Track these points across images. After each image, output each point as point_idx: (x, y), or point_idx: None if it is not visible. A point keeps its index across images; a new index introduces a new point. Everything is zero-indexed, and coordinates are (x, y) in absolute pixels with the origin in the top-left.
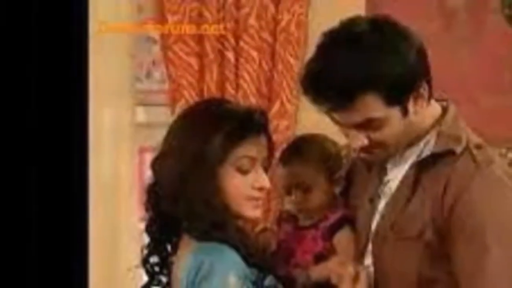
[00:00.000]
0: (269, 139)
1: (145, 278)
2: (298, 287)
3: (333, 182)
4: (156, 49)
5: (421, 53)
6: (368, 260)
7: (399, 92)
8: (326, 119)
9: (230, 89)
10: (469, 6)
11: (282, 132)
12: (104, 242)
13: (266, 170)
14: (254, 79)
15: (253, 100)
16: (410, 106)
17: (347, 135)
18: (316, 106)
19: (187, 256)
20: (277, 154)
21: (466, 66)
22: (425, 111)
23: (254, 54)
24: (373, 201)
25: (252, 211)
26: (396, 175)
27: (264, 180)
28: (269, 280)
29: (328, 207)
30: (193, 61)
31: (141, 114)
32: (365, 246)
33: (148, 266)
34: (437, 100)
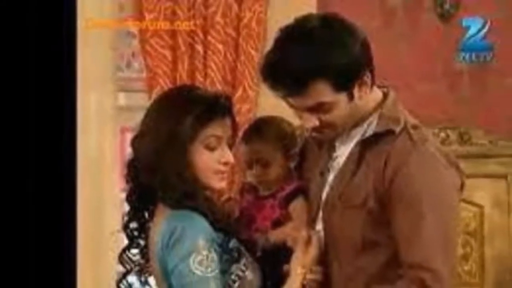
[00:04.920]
0: (233, 120)
1: (125, 241)
2: (258, 249)
3: (288, 158)
4: (135, 42)
5: (365, 46)
6: (319, 226)
7: (346, 80)
8: (283, 103)
9: (199, 77)
10: (406, 6)
11: (244, 114)
12: (90, 210)
13: (230, 147)
14: (220, 68)
15: (219, 87)
16: (356, 92)
17: (300, 117)
18: (274, 92)
19: (162, 222)
20: (240, 133)
21: (404, 57)
22: (369, 96)
23: (220, 47)
24: (323, 174)
25: (218, 183)
26: (343, 151)
27: (229, 156)
28: (233, 243)
29: (284, 179)
30: (167, 53)
31: (122, 99)
32: (317, 213)
33: (128, 230)
34: (379, 87)
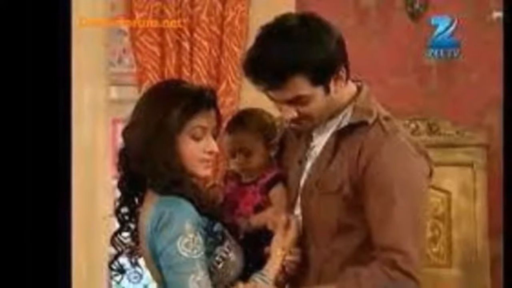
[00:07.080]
0: (217, 112)
1: (117, 225)
2: (241, 232)
3: (269, 147)
4: (126, 39)
5: (340, 43)
6: (298, 211)
7: (323, 74)
8: (263, 96)
9: (186, 72)
10: (378, 5)
11: (228, 107)
12: (84, 196)
13: (215, 137)
14: (205, 64)
15: (204, 81)
16: (332, 86)
17: (280, 109)
18: (255, 85)
19: (151, 207)
20: (224, 124)
21: (376, 53)
22: (344, 90)
23: (205, 44)
24: (301, 162)
25: (203, 171)
26: (320, 141)
27: (213, 145)
28: (217, 227)
29: (265, 167)
30: (156, 49)
31: (114, 92)
32: (295, 199)
33: (119, 215)
34: (353, 81)
